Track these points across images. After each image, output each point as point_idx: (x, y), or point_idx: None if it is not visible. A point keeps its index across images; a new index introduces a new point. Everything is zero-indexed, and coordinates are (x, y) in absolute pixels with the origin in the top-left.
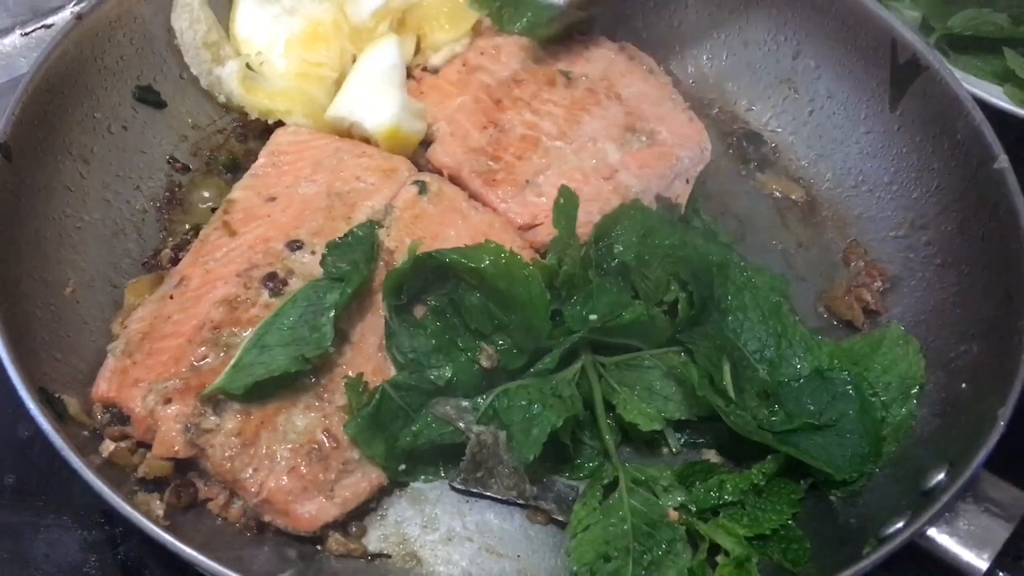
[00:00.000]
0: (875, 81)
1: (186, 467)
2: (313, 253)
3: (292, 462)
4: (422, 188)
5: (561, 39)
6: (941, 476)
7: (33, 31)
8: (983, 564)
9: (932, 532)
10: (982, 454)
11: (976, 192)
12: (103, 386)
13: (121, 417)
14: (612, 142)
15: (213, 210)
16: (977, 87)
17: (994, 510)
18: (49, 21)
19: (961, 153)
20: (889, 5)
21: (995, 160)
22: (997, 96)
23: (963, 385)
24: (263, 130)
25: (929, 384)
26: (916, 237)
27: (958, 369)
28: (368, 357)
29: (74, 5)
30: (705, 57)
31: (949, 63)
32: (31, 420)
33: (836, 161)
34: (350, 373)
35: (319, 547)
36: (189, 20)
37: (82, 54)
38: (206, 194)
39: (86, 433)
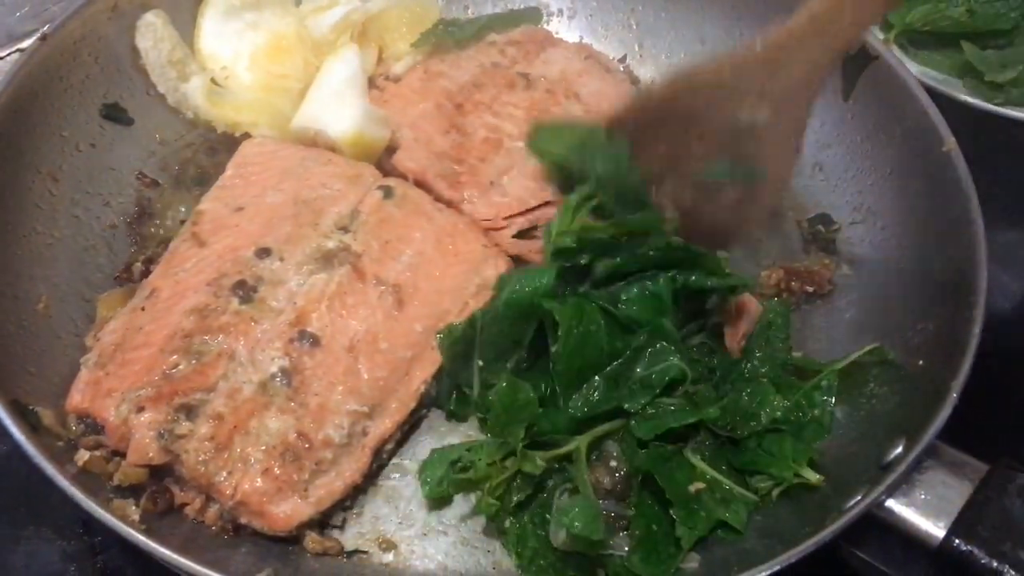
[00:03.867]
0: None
1: (161, 473)
2: (282, 260)
3: (266, 464)
4: (387, 192)
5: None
6: (898, 450)
7: (8, 55)
8: (940, 532)
9: (890, 503)
10: (936, 425)
11: (927, 176)
12: (77, 397)
13: (95, 427)
14: None
15: (183, 223)
16: (937, 81)
17: (949, 479)
18: (24, 45)
19: (912, 139)
20: None
21: (943, 144)
22: (957, 89)
23: (920, 362)
24: (231, 143)
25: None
26: (873, 222)
27: (915, 347)
28: (338, 359)
29: (47, 27)
30: (663, 56)
31: (909, 58)
32: (6, 433)
33: None
34: (320, 375)
35: (296, 547)
36: (153, 39)
37: (48, 74)
38: (176, 208)
39: (61, 444)
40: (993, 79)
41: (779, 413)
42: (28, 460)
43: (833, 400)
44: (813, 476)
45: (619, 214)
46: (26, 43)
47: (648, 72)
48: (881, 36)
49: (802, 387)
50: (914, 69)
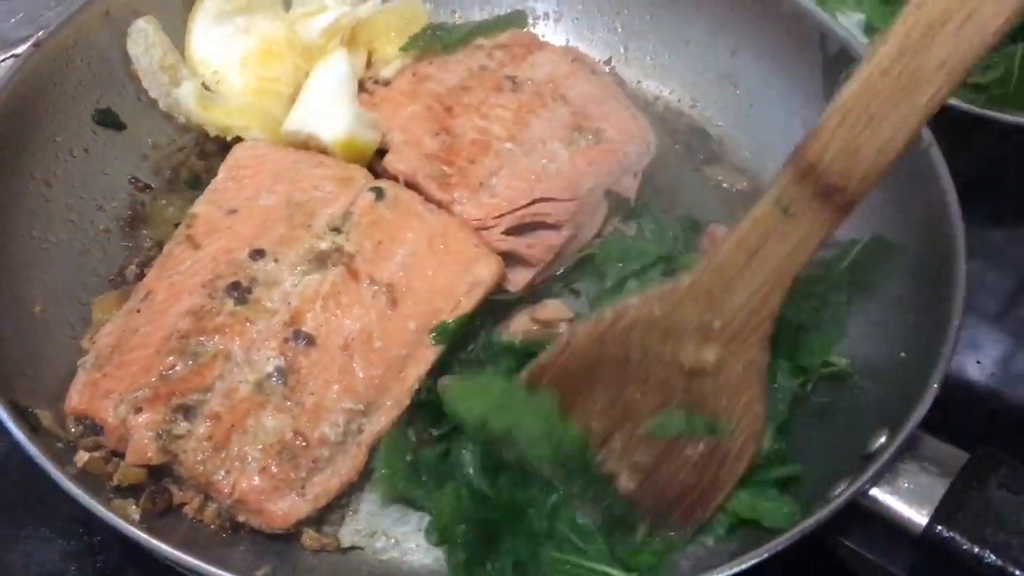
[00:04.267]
0: (809, 73)
1: (160, 473)
2: (276, 261)
3: (263, 462)
4: (379, 194)
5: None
6: (881, 440)
7: (2, 61)
8: (923, 520)
9: (874, 492)
10: (918, 415)
11: (906, 173)
12: (75, 399)
13: (94, 428)
14: (560, 142)
15: (176, 226)
16: None
17: (931, 468)
18: (18, 51)
19: None
20: (833, 7)
21: (922, 142)
22: None
23: (902, 354)
24: (222, 147)
25: (870, 355)
26: (855, 218)
27: (897, 339)
28: (333, 357)
29: (40, 33)
30: (648, 58)
31: None
32: (6, 434)
33: (777, 151)
34: (315, 374)
35: (294, 544)
36: (144, 45)
37: (41, 80)
38: (169, 211)
39: (60, 445)
40: (976, 80)
41: (803, 316)
42: (26, 460)
43: (845, 298)
44: (840, 361)
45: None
46: (20, 49)
47: (634, 74)
48: (864, 40)
49: (815, 291)
50: None
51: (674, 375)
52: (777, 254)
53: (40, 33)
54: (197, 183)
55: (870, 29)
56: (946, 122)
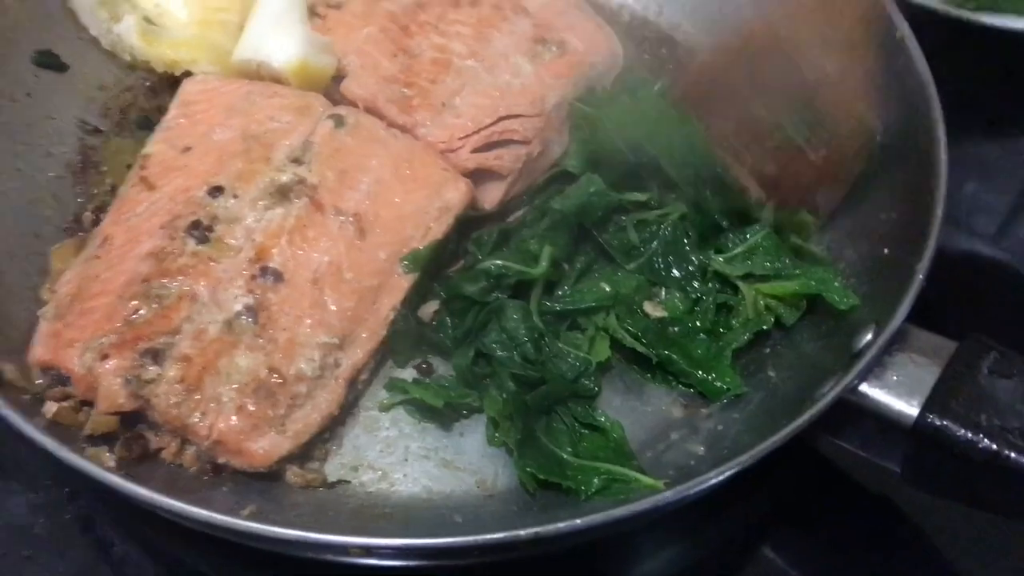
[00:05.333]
0: None
1: (133, 420)
2: (236, 197)
3: (239, 401)
4: (339, 121)
5: None
6: (868, 336)
7: None
8: (914, 411)
9: (864, 387)
10: (904, 307)
11: (884, 64)
12: (39, 350)
13: (61, 378)
14: (523, 56)
15: (130, 168)
16: None
17: (919, 359)
18: None
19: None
20: None
21: (896, 31)
22: None
23: (885, 250)
24: (172, 84)
25: (855, 255)
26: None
27: (881, 237)
28: (303, 292)
29: None
30: None
31: None
32: None
33: None
34: (286, 310)
35: (278, 482)
36: None
37: None
38: (120, 154)
39: (27, 398)
40: None
41: None
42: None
43: None
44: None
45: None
46: None
47: None
48: None
49: None
50: None
51: (797, 87)
52: None
53: None
54: (148, 123)
55: None
56: (934, 29)
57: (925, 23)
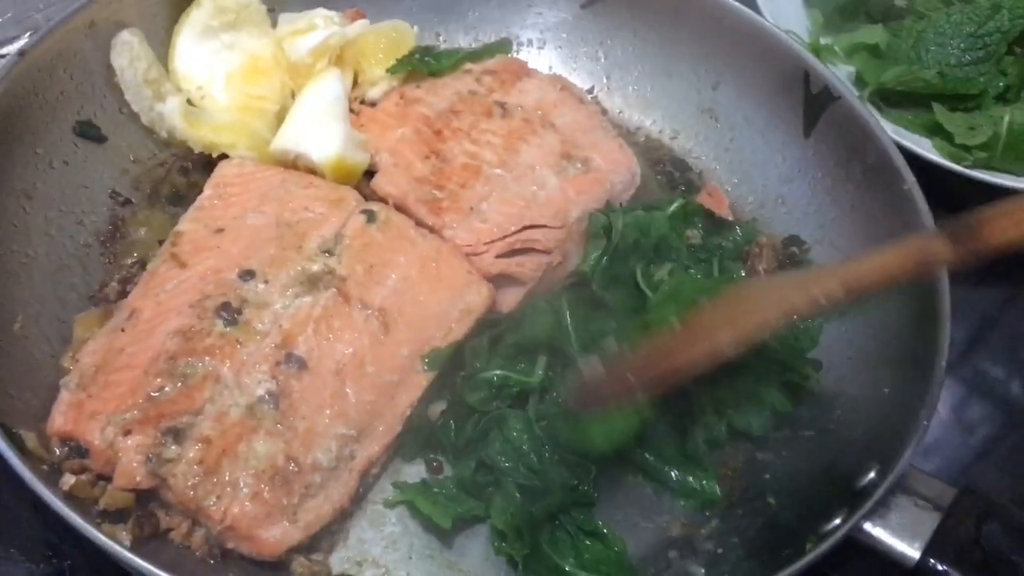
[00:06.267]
0: (790, 110)
1: (147, 498)
2: (266, 282)
3: (255, 488)
4: (370, 217)
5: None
6: (872, 475)
7: None
8: (915, 553)
9: (867, 526)
10: (909, 452)
11: (888, 213)
12: (59, 420)
13: (79, 450)
14: (550, 169)
15: (160, 243)
16: (908, 140)
17: (922, 503)
18: (3, 51)
19: (872, 177)
20: (824, 60)
21: (904, 183)
22: (927, 149)
23: (885, 390)
24: (205, 163)
25: (855, 390)
26: (836, 255)
27: (881, 373)
28: (325, 382)
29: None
30: (631, 88)
31: (882, 116)
32: None
33: (757, 185)
34: (308, 399)
35: (283, 572)
36: (129, 58)
37: (24, 91)
38: (149, 227)
39: (45, 468)
40: (963, 142)
41: None
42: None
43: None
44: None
45: None
46: (6, 49)
47: (616, 103)
48: (856, 93)
49: None
50: (887, 128)
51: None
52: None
53: (24, 42)
54: (178, 199)
55: (861, 82)
56: (930, 178)
57: (932, 178)
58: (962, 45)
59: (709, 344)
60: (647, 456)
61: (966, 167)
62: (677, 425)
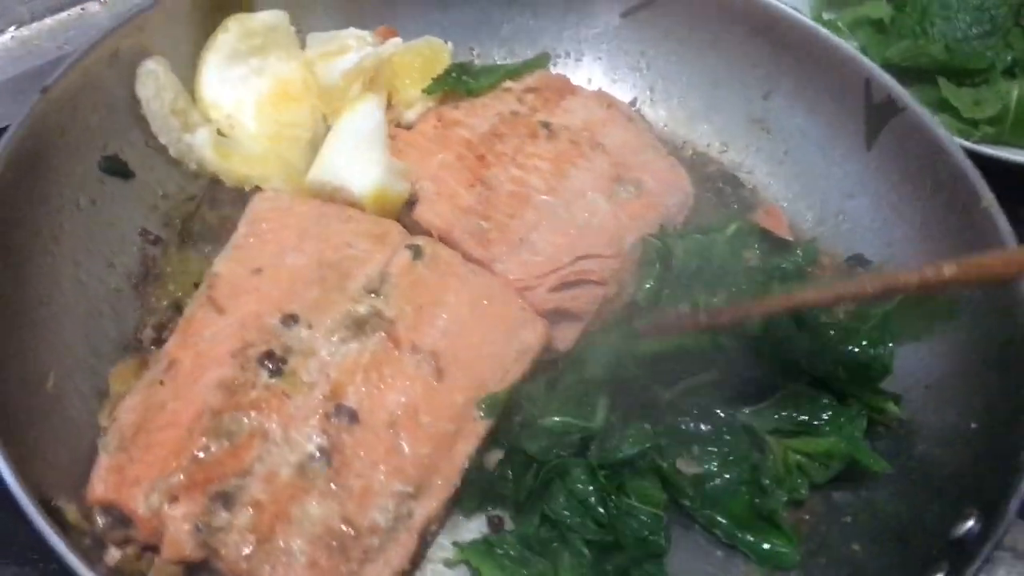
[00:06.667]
0: (850, 121)
1: (197, 568)
2: (310, 327)
3: (312, 555)
4: (417, 252)
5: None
6: (971, 523)
7: None
8: None
9: None
10: (1014, 504)
11: (962, 233)
12: (99, 487)
13: (123, 519)
14: (601, 194)
15: (195, 285)
16: None
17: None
18: None
19: (943, 194)
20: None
21: (982, 201)
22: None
23: (972, 424)
24: (235, 196)
25: (938, 423)
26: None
27: (966, 408)
28: (378, 435)
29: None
30: (676, 100)
31: None
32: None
33: (815, 201)
34: (361, 454)
35: None
36: (155, 88)
37: (47, 129)
38: (182, 267)
39: (88, 541)
40: (971, 116)
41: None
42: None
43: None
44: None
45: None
46: None
47: (661, 116)
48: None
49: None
50: None
51: None
52: None
53: (49, 80)
54: (210, 235)
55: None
56: None
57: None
58: (968, 19)
59: (789, 301)
60: (718, 518)
61: (974, 142)
62: (753, 483)
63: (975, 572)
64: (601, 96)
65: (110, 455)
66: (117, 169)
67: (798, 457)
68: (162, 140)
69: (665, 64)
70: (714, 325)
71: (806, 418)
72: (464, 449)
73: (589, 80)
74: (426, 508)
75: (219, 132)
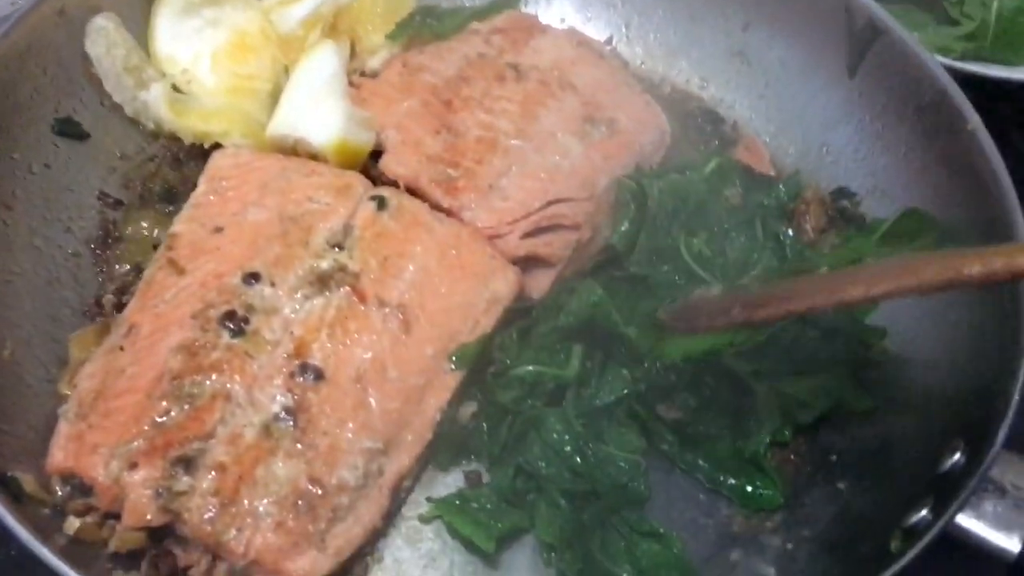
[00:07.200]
0: (831, 49)
1: (161, 534)
2: (272, 285)
3: (278, 516)
4: (381, 203)
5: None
6: (957, 456)
7: None
8: (1015, 546)
9: (959, 518)
10: (1001, 435)
11: (948, 157)
12: (59, 456)
13: (83, 488)
14: (572, 135)
15: (154, 247)
16: None
17: (1018, 492)
18: None
19: (928, 118)
20: None
21: (967, 123)
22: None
23: (962, 358)
24: (197, 154)
25: (925, 356)
26: (890, 206)
27: (953, 346)
28: (345, 392)
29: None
30: (652, 35)
31: None
32: None
33: (797, 134)
34: (328, 412)
35: None
36: (106, 45)
37: None
38: (143, 229)
39: (46, 511)
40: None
41: None
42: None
43: None
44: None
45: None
46: None
47: (637, 53)
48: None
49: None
50: None
51: None
52: None
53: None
54: (172, 196)
55: None
56: None
57: None
58: None
59: (835, 294)
60: (700, 462)
61: (954, 59)
62: (735, 426)
63: (961, 504)
64: (571, 34)
65: (70, 423)
66: (71, 131)
67: (782, 398)
68: (116, 99)
69: None
70: (751, 322)
71: (791, 357)
72: (435, 403)
73: (562, 20)
74: (397, 464)
75: (175, 88)
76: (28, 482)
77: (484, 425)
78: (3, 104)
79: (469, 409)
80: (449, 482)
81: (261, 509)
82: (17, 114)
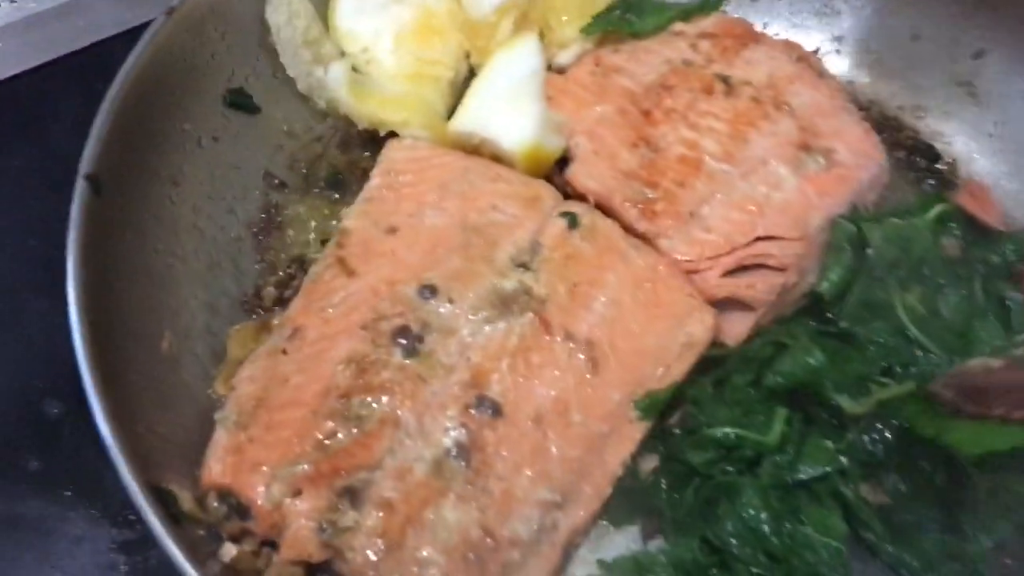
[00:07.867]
0: None
1: (314, 569)
2: (451, 302)
3: (446, 568)
4: (572, 221)
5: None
6: None
7: None
8: None
9: None
10: None
11: None
12: (217, 468)
13: (240, 509)
14: (786, 164)
15: (322, 242)
16: None
17: None
18: None
19: None
20: None
21: None
22: None
23: None
24: (365, 137)
25: None
26: None
27: None
28: (523, 433)
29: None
30: (866, 52)
31: None
32: (61, 397)
33: None
34: (504, 454)
35: None
36: (287, 14)
37: (171, 55)
38: (306, 216)
39: (201, 532)
40: None
41: None
42: (80, 429)
43: None
44: None
45: None
46: None
47: (845, 70)
48: None
49: None
50: None
51: None
52: None
53: (173, 0)
54: (337, 182)
55: None
56: None
57: None
58: None
59: None
60: (906, 558)
61: None
62: (947, 522)
63: None
64: (789, 46)
65: (229, 432)
66: (242, 103)
67: (1010, 496)
68: (290, 73)
69: (856, 8)
70: None
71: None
72: (618, 454)
73: (765, 25)
74: (572, 519)
75: (353, 68)
76: (186, 500)
77: (663, 481)
78: (179, 69)
79: (650, 463)
80: (619, 541)
81: (428, 557)
82: (192, 81)
